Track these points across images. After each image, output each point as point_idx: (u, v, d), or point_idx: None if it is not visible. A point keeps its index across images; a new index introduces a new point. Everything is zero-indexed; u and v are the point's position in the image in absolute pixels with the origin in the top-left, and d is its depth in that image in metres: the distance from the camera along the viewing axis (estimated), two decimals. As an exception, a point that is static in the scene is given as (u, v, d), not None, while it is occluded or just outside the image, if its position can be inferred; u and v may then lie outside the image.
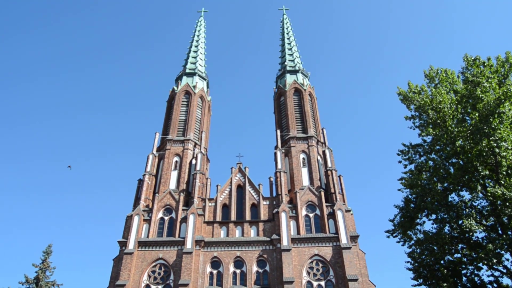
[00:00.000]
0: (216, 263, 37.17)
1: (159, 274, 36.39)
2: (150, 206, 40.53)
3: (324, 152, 44.68)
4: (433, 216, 24.39)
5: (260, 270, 36.69)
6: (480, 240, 22.06)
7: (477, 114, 22.52)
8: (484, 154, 21.59)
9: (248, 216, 40.15)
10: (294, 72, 54.77)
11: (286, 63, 56.19)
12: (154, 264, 36.81)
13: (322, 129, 48.12)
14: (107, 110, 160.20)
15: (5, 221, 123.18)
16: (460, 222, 22.10)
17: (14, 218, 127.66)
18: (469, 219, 21.33)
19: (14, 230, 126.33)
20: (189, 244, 37.00)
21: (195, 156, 44.91)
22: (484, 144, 21.55)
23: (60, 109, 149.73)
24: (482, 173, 21.67)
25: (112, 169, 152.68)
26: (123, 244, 37.69)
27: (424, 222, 25.24)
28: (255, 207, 41.19)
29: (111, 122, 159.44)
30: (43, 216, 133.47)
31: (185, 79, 53.10)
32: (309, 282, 35.59)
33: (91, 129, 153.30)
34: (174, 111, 49.05)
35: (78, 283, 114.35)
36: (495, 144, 21.39)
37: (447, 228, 23.59)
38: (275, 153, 44.53)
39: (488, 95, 22.35)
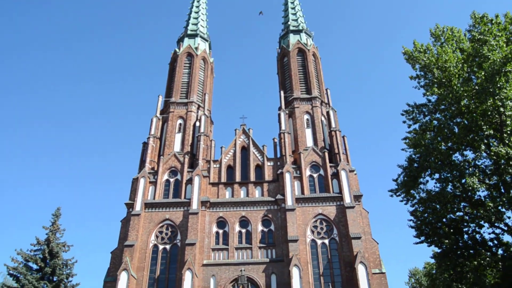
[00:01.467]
0: (221, 223, 37.95)
1: (166, 234, 37.27)
2: (156, 169, 40.98)
3: (328, 112, 44.57)
4: (436, 175, 24.59)
5: (265, 229, 37.48)
6: (483, 198, 22.31)
7: (483, 73, 22.25)
8: (489, 113, 21.50)
9: (252, 177, 40.60)
10: (297, 32, 53.76)
11: (289, 23, 55.08)
12: (161, 224, 37.63)
13: (326, 90, 47.78)
14: (110, 75, 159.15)
15: (15, 186, 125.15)
16: (463, 181, 22.29)
17: (24, 182, 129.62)
18: (472, 178, 21.49)
19: (24, 195, 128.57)
20: (195, 205, 37.66)
21: (198, 118, 44.94)
22: (489, 104, 21.43)
23: (64, 75, 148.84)
24: (486, 133, 21.66)
25: (117, 133, 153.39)
26: (130, 206, 38.42)
27: (427, 181, 25.48)
28: (259, 168, 41.58)
29: (115, 87, 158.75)
30: (52, 179, 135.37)
31: (186, 41, 52.30)
32: (313, 241, 36.41)
33: (95, 93, 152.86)
34: (176, 74, 48.67)
35: (88, 244, 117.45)
36: (500, 103, 21.25)
37: (449, 187, 23.81)
38: (279, 114, 44.47)
39: (495, 53, 22.00)
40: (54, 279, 31.19)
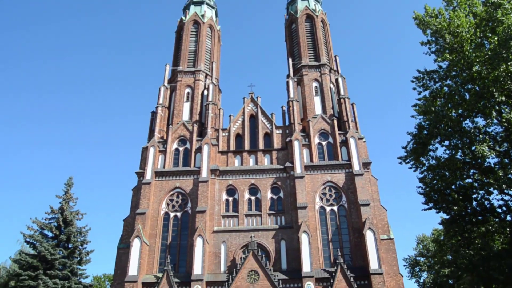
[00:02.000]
0: (231, 190, 38.40)
1: (177, 202, 37.88)
2: (165, 138, 41.22)
3: (337, 80, 44.11)
4: (446, 143, 24.45)
5: (274, 197, 37.90)
6: (492, 165, 22.25)
7: (496, 38, 21.72)
8: (501, 79, 21.12)
9: (261, 145, 40.74)
10: (305, -4, 52.51)
11: (297, -12, 53.69)
12: (171, 193, 38.19)
13: (335, 57, 47.12)
14: (119, 45, 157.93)
15: (26, 156, 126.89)
16: (473, 148, 22.19)
17: (35, 152, 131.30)
18: (482, 145, 21.38)
19: (35, 164, 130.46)
20: (204, 173, 38.04)
21: (206, 87, 44.75)
22: (501, 69, 21.01)
23: (74, 45, 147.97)
24: (498, 99, 21.36)
25: (127, 103, 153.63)
26: (140, 174, 38.92)
27: (436, 148, 25.37)
28: (268, 136, 41.64)
29: (123, 56, 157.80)
30: (63, 150, 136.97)
31: (193, 8, 51.39)
32: (322, 207, 36.81)
33: (105, 63, 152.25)
34: (183, 42, 48.14)
35: (100, 212, 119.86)
36: (513, 69, 20.84)
37: (459, 154, 23.73)
38: (287, 82, 44.11)
39: (509, 17, 21.40)
40: (69, 246, 32.08)
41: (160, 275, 33.62)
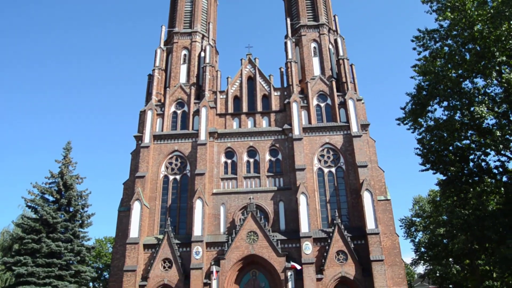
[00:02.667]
0: (230, 153, 38.50)
1: (176, 165, 38.06)
2: (162, 101, 40.92)
3: (336, 40, 43.29)
4: (445, 103, 24.30)
5: (273, 159, 38.06)
6: (490, 126, 22.21)
7: (499, -4, 21.16)
8: (503, 39, 20.73)
9: (259, 107, 40.50)
10: (303, -48, 50.70)
11: None
12: (170, 156, 38.30)
13: (334, 16, 46.02)
14: (113, 8, 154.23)
15: (24, 121, 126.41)
16: (471, 109, 22.06)
17: (33, 118, 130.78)
18: (481, 106, 21.26)
19: (33, 130, 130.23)
20: (203, 136, 38.02)
21: (203, 48, 43.98)
22: (504, 29, 20.58)
23: (68, 11, 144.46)
24: (498, 59, 21.03)
25: (123, 67, 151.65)
26: (139, 138, 38.90)
27: (435, 109, 25.27)
28: (266, 98, 41.33)
29: (117, 19, 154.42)
30: (60, 114, 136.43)
31: (188, -34, 49.64)
32: (320, 169, 37.05)
33: (99, 27, 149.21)
34: (179, 2, 46.81)
35: (100, 176, 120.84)
36: (516, 29, 20.41)
37: (458, 115, 23.64)
38: (285, 43, 43.29)
39: (513, -27, 20.75)
40: (71, 210, 32.45)
41: (160, 236, 34.25)
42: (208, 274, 32.38)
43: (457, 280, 46.91)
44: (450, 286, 51.94)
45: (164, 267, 33.19)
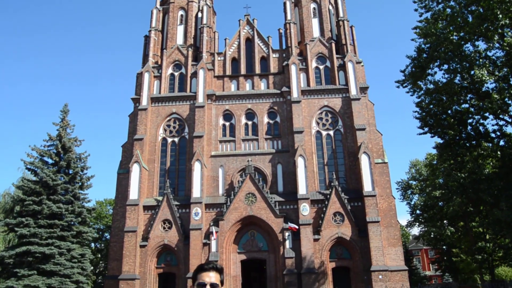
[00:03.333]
0: (228, 115, 38.42)
1: (174, 127, 38.04)
2: (159, 63, 40.39)
3: (336, 1, 42.27)
4: (445, 66, 23.98)
5: (271, 121, 38.03)
6: (490, 90, 22.06)
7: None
8: (507, 0, 20.26)
9: (258, 69, 40.08)
10: None
11: None
12: (168, 118, 38.21)
13: (335, -25, 44.73)
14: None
15: (22, 85, 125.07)
16: (472, 72, 21.81)
17: (31, 82, 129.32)
18: (481, 70, 21.00)
19: (31, 94, 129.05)
20: (200, 98, 37.80)
21: (200, 9, 42.97)
22: (508, -11, 20.07)
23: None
24: (501, 22, 20.56)
25: (120, 29, 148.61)
26: (136, 100, 38.68)
27: (435, 72, 24.93)
28: (264, 60, 40.83)
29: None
30: (58, 78, 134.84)
31: None
32: (318, 132, 37.12)
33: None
34: (175, -41, 45.34)
35: (99, 139, 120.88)
36: (521, -10, 19.90)
37: (458, 78, 23.38)
38: (284, 3, 42.27)
39: None
40: (70, 172, 32.60)
41: (160, 198, 34.70)
42: (208, 235, 33.05)
43: (451, 241, 48.05)
44: (444, 247, 53.25)
45: (164, 228, 33.82)
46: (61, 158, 32.40)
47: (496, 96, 20.38)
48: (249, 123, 38.07)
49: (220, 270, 2.59)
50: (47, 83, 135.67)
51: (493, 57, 22.09)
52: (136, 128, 37.04)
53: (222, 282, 2.56)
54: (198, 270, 2.58)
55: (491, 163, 23.74)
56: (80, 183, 32.92)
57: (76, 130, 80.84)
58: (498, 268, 46.70)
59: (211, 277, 2.51)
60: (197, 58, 40.50)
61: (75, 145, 33.07)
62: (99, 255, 56.27)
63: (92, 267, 42.40)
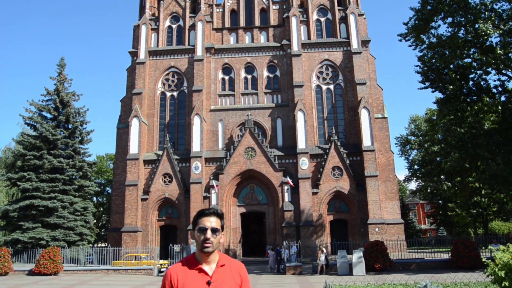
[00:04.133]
0: (227, 69, 37.91)
1: (172, 81, 37.64)
2: (156, 15, 39.35)
3: None
4: (449, 19, 23.39)
5: (271, 75, 37.58)
6: (494, 45, 21.63)
7: None
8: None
9: (257, 22, 39.11)
10: None
11: None
12: (167, 72, 37.73)
13: None
14: None
15: (21, 44, 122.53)
16: (476, 25, 21.31)
17: (29, 40, 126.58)
18: (486, 23, 20.50)
19: (30, 52, 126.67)
20: (199, 52, 37.16)
21: (198, -44, 41.25)
22: None
23: None
24: (509, -28, 19.95)
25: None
26: (134, 54, 38.02)
27: (439, 25, 24.36)
28: (264, 12, 39.76)
29: None
30: (54, 31, 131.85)
31: None
32: (318, 86, 36.78)
33: None
34: None
35: (96, 93, 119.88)
36: None
37: (461, 32, 22.88)
38: (285, -49, 40.58)
39: None
40: (69, 127, 32.60)
41: (160, 152, 34.90)
42: (208, 188, 33.51)
43: (447, 196, 48.82)
44: (440, 201, 54.18)
45: (165, 182, 34.25)
46: (60, 113, 32.31)
47: (500, 51, 20.00)
48: (249, 77, 37.63)
49: (220, 216, 2.64)
50: (44, 41, 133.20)
51: (499, 10, 21.50)
52: (134, 83, 36.65)
53: (222, 228, 2.61)
54: (199, 215, 2.62)
55: (491, 119, 23.66)
56: (80, 138, 33.02)
57: (74, 85, 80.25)
58: (491, 222, 47.74)
59: (211, 221, 2.55)
60: (195, 9, 39.43)
61: (73, 99, 32.89)
62: (102, 209, 57.41)
63: (95, 220, 43.35)
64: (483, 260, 9.13)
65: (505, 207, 38.68)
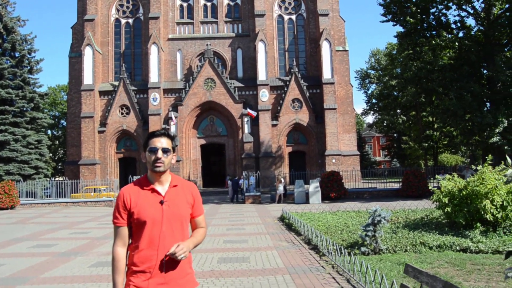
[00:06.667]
0: (185, -4, 36.02)
1: (127, 7, 35.58)
2: None
3: None
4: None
5: (231, 3, 36.13)
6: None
7: None
8: None
9: None
10: None
11: None
12: (121, -3, 35.44)
13: None
14: None
15: None
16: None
17: None
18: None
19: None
20: (155, -24, 34.88)
21: None
22: None
23: None
24: None
25: None
26: (84, -25, 35.27)
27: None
28: None
29: None
30: None
31: None
32: (280, 16, 35.84)
33: None
34: None
35: (43, 20, 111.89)
36: None
37: (426, -37, 22.50)
38: None
39: None
40: (16, 55, 30.56)
41: (116, 83, 33.73)
42: (167, 120, 33.08)
43: (402, 129, 50.60)
44: (395, 134, 56.16)
45: (122, 113, 33.47)
46: (5, 40, 30.08)
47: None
48: (208, 4, 36.03)
49: (172, 137, 2.62)
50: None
51: None
52: (86, 8, 34.31)
53: (174, 149, 2.58)
54: (149, 136, 2.59)
55: (447, 54, 24.02)
56: (29, 67, 31.19)
57: (18, 10, 74.20)
58: (441, 155, 50.23)
59: (162, 142, 2.52)
60: None
61: (18, 25, 30.59)
62: (57, 142, 55.78)
63: (50, 154, 42.30)
64: (430, 188, 9.81)
65: (454, 141, 40.58)
